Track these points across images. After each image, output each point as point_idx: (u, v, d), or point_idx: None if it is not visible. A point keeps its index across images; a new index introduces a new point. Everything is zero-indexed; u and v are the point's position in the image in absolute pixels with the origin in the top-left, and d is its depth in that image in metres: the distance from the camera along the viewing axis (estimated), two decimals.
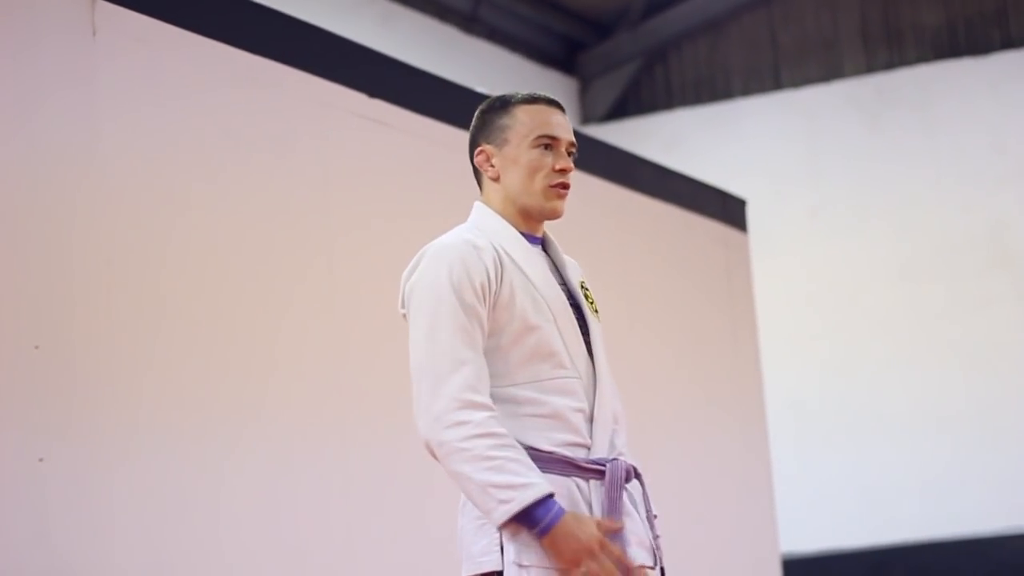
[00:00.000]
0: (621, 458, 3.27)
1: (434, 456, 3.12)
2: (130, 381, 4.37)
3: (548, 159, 3.32)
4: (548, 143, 3.32)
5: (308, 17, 5.48)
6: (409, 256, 3.27)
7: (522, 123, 3.33)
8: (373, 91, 5.51)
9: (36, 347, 4.10)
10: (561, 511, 3.04)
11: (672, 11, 13.37)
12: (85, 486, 4.18)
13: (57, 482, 4.10)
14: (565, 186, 3.33)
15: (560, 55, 13.65)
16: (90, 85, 4.39)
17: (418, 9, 11.85)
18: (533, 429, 3.17)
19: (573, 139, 3.38)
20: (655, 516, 3.34)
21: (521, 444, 3.11)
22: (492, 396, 3.13)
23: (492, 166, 3.36)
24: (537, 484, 3.03)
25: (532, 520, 3.03)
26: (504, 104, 3.37)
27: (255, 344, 4.85)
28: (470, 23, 12.45)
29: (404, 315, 3.26)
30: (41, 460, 4.06)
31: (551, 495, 3.04)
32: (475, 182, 3.43)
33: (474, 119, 3.42)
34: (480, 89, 6.49)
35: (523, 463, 3.05)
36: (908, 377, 12.09)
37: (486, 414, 3.07)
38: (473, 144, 3.40)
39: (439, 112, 5.79)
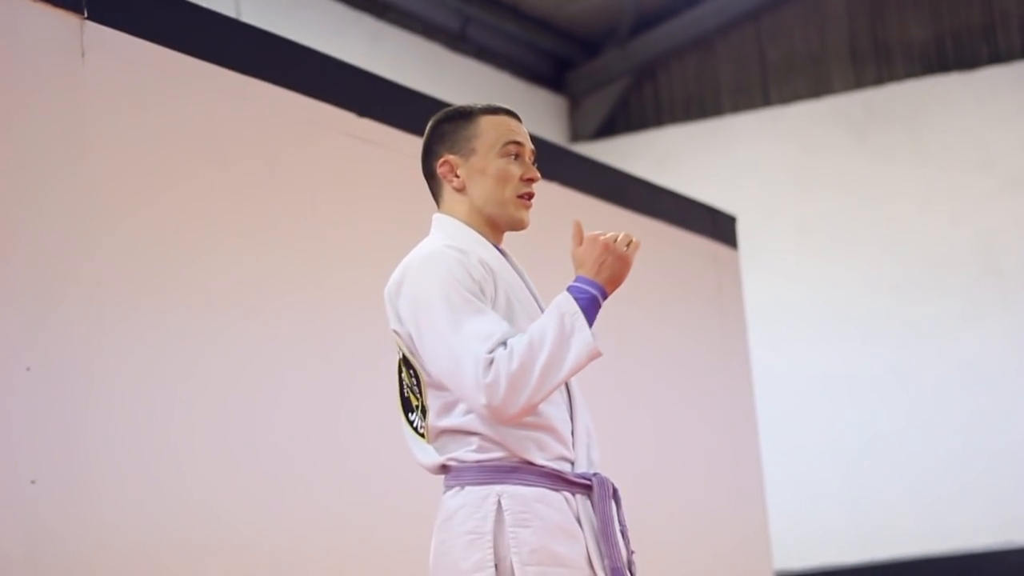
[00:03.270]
0: (601, 472, 3.24)
1: (518, 410, 3.05)
2: (121, 402, 4.36)
3: (515, 168, 3.30)
4: (516, 152, 3.31)
5: (296, 36, 5.49)
6: None
7: (488, 133, 3.30)
8: (362, 110, 5.52)
9: (27, 369, 4.09)
10: (591, 282, 3.15)
11: (661, 28, 13.39)
12: (77, 508, 4.17)
13: (49, 504, 4.09)
14: (531, 195, 3.33)
15: (548, 73, 13.66)
16: (79, 106, 4.39)
17: (406, 28, 11.85)
18: (530, 442, 3.13)
19: (534, 147, 3.37)
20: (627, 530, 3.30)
21: (517, 458, 3.11)
22: None
23: (457, 176, 3.32)
24: (563, 299, 3.11)
25: (593, 305, 3.12)
26: (467, 114, 3.34)
27: (249, 362, 4.84)
28: (458, 42, 12.46)
29: (397, 331, 3.22)
30: (33, 482, 4.05)
31: (575, 297, 3.12)
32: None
33: (429, 130, 3.38)
34: None
35: (539, 320, 3.12)
36: (899, 391, 12.09)
37: (501, 347, 3.07)
38: (431, 155, 3.36)
39: None
